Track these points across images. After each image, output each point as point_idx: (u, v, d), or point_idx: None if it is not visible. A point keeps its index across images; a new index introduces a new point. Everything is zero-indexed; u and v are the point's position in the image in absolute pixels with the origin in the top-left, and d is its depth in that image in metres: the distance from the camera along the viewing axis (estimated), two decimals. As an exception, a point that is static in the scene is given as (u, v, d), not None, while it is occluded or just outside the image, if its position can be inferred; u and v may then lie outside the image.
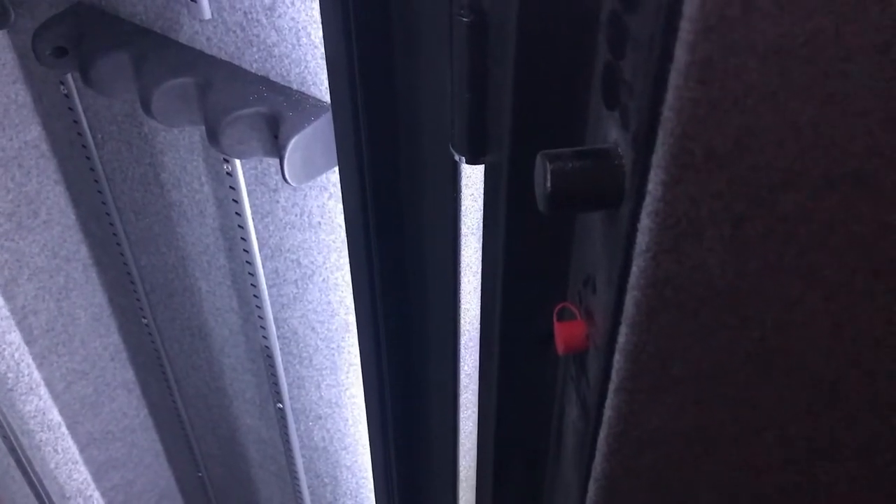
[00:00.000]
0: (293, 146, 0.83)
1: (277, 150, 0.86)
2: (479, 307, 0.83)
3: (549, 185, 0.45)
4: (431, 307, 0.84)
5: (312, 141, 0.84)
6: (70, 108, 1.21)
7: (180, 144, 1.10)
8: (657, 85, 0.40)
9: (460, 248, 0.76)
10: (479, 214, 0.77)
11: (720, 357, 0.53)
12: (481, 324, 0.75)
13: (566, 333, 0.59)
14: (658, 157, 0.41)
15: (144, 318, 1.48)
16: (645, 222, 0.44)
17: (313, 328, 1.15)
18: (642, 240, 0.45)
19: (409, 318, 0.86)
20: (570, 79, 0.52)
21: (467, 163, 0.62)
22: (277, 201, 1.02)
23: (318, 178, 0.95)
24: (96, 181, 1.29)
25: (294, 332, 1.19)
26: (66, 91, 1.18)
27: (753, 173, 0.42)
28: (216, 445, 1.66)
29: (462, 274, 0.79)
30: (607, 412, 0.56)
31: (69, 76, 1.16)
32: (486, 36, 0.55)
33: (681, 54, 0.37)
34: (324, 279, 1.07)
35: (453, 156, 0.63)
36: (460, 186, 0.70)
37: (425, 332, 0.87)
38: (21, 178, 1.30)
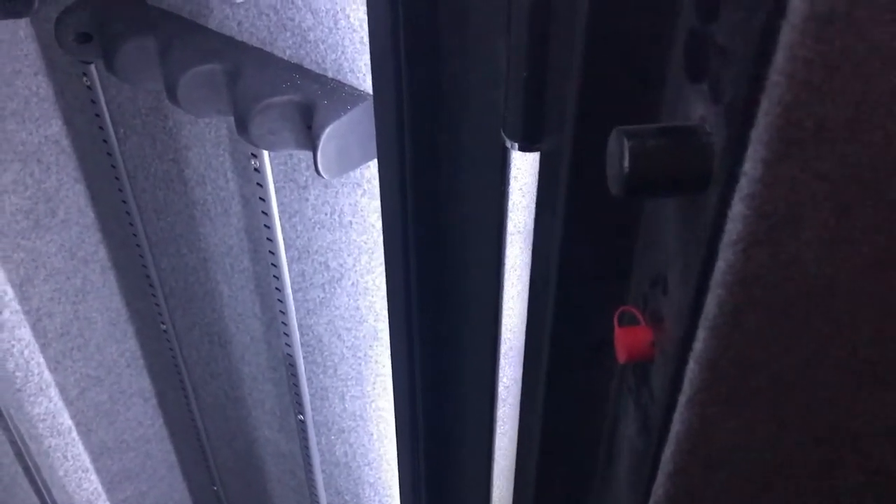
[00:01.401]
0: (328, 136, 0.79)
1: (310, 141, 0.81)
2: (522, 313, 0.78)
3: (626, 164, 0.41)
4: (471, 312, 0.79)
5: (348, 131, 0.80)
6: (93, 101, 1.17)
7: (206, 139, 1.06)
8: (763, 44, 0.35)
9: (505, 247, 0.71)
10: (527, 211, 0.72)
11: (807, 367, 0.47)
12: (528, 330, 0.70)
13: (629, 340, 0.54)
14: (759, 131, 0.36)
15: (163, 323, 1.44)
16: (738, 208, 0.39)
17: (339, 336, 1.11)
18: (733, 229, 0.40)
19: (446, 323, 0.81)
20: (646, 51, 0.47)
21: (520, 149, 0.57)
22: (307, 199, 0.98)
23: (352, 174, 0.90)
24: (117, 178, 1.26)
25: (319, 339, 1.14)
26: (88, 83, 1.15)
27: (868, 152, 0.37)
28: (233, 458, 1.61)
29: (506, 276, 0.74)
30: (675, 427, 0.51)
31: (92, 67, 1.13)
32: (549, 4, 0.50)
33: (798, 4, 0.32)
34: (353, 283, 1.02)
35: (503, 143, 0.59)
36: (509, 178, 0.66)
37: (463, 339, 0.82)
38: (40, 174, 1.27)
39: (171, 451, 1.71)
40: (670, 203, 0.47)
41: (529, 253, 0.64)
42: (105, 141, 1.21)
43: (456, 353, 0.83)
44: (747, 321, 0.44)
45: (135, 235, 1.33)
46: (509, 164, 0.65)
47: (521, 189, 0.70)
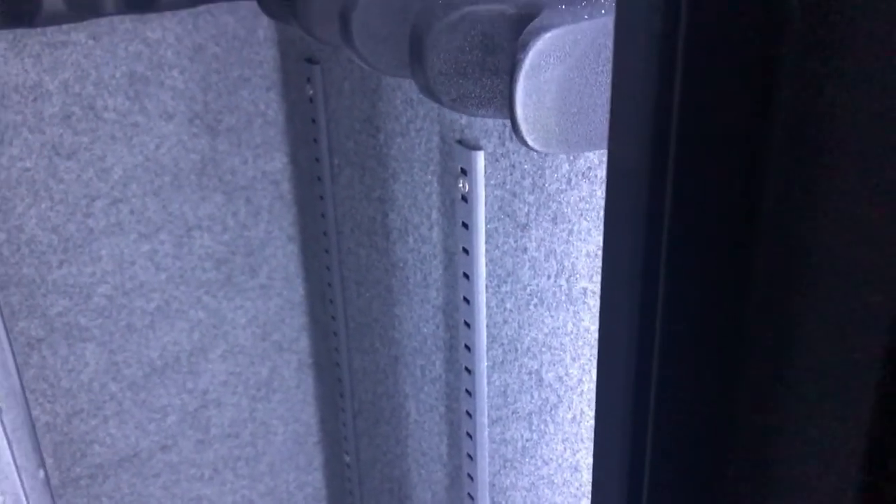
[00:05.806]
0: (535, 58, 0.42)
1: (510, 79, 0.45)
2: None
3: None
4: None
5: (577, 60, 0.42)
6: (313, 120, 0.92)
7: (414, 158, 0.74)
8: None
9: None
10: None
11: None
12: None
13: None
14: None
15: (347, 453, 1.10)
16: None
17: (544, 512, 0.68)
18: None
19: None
20: None
21: None
22: (525, 248, 0.60)
23: (597, 195, 0.52)
24: (325, 234, 0.98)
25: (515, 513, 0.72)
26: (311, 91, 0.91)
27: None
28: None
29: None
30: None
31: (318, 69, 0.89)
32: None
33: None
34: (573, 417, 0.61)
35: None
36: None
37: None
38: (246, 217, 1.03)
39: None
40: None
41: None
42: (319, 179, 0.95)
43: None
44: None
45: (333, 319, 1.03)
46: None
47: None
